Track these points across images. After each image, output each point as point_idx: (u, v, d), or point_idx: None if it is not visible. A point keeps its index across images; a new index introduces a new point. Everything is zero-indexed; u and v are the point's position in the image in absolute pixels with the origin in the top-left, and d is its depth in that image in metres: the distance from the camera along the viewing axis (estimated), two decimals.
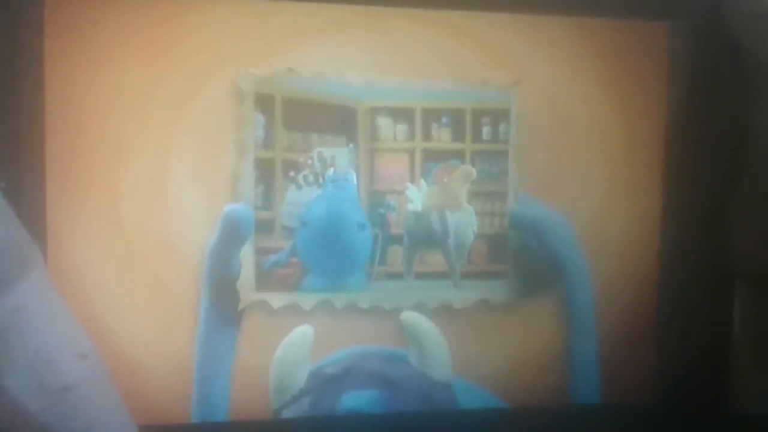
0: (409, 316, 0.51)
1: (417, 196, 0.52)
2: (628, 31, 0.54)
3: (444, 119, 0.53)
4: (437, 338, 0.52)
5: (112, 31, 0.47)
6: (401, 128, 0.52)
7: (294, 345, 0.50)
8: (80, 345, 0.37)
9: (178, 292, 0.48)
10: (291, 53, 0.50)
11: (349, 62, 0.51)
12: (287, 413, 0.50)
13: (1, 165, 0.37)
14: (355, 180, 0.51)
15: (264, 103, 0.49)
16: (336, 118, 0.51)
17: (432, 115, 0.52)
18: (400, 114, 0.52)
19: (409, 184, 0.52)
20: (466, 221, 0.53)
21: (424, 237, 0.52)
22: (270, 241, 0.49)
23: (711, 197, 0.54)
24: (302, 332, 0.50)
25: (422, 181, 0.52)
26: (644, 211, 0.55)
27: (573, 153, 0.54)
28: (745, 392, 0.54)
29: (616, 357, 0.55)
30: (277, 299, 0.49)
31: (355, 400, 0.51)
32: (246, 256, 0.49)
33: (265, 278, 0.49)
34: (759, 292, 0.53)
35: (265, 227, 0.49)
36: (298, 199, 0.50)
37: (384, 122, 0.51)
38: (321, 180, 0.50)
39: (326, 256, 0.50)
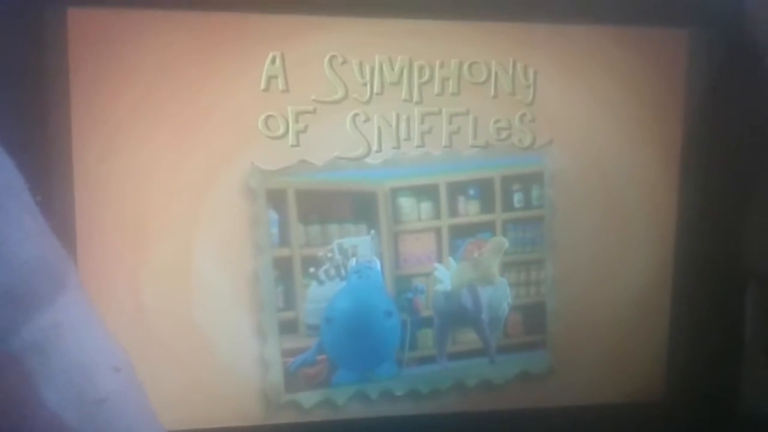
0: None
1: (446, 276, 0.49)
2: (647, 39, 0.50)
3: (471, 191, 0.49)
4: None
5: (137, 103, 0.44)
6: (425, 206, 0.48)
7: None
8: (115, 358, 0.37)
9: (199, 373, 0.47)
10: (301, 140, 0.46)
11: (367, 141, 0.47)
12: None
13: None
14: (379, 267, 0.48)
15: (276, 198, 0.46)
16: (355, 205, 0.47)
17: (458, 188, 0.49)
18: (424, 191, 0.48)
19: (437, 264, 0.49)
20: (499, 294, 0.50)
21: (456, 316, 0.50)
22: (295, 341, 0.47)
23: (726, 200, 0.52)
24: None
25: (450, 260, 0.49)
26: (660, 212, 0.52)
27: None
28: (757, 391, 0.53)
29: (630, 356, 0.53)
30: (307, 398, 0.48)
31: None
32: (272, 358, 0.47)
33: (293, 379, 0.47)
34: None
35: (288, 328, 0.47)
36: (321, 295, 0.47)
37: (407, 202, 0.48)
38: (343, 272, 0.47)
39: (355, 349, 0.48)
